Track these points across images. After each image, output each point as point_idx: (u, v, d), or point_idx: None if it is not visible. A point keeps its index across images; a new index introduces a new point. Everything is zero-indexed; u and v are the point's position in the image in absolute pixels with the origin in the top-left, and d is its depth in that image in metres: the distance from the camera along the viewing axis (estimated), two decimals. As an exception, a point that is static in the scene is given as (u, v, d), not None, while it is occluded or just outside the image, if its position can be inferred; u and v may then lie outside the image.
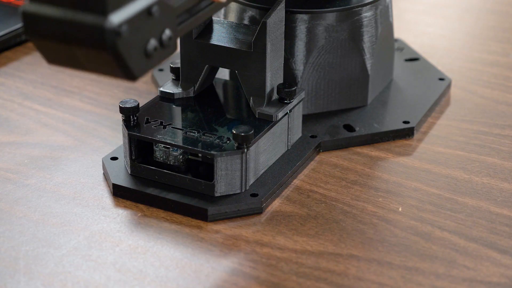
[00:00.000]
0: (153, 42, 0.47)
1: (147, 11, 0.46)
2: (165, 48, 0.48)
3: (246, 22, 0.65)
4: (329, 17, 0.64)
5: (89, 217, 0.56)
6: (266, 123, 0.59)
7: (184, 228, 0.55)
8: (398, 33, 0.80)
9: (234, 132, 0.56)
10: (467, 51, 0.81)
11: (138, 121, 0.59)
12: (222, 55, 0.61)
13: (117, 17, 0.44)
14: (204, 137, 0.57)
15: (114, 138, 0.65)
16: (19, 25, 0.80)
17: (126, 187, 0.58)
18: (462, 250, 0.54)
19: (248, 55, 0.60)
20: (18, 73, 0.76)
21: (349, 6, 0.64)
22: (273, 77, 0.61)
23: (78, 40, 0.45)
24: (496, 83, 0.74)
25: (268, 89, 0.60)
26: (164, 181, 0.57)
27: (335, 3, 0.64)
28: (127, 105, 0.58)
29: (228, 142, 0.57)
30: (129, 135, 0.58)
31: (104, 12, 0.44)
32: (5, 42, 0.79)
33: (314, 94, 0.66)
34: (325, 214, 0.57)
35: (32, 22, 0.45)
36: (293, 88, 0.60)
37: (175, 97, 0.62)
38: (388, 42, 0.69)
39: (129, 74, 0.46)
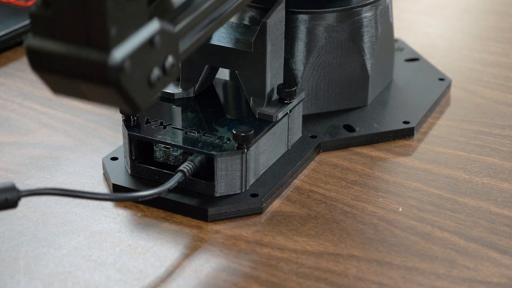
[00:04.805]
0: (156, 72, 0.47)
1: (149, 42, 0.46)
2: (168, 75, 0.49)
3: (246, 22, 0.65)
4: (329, 18, 0.64)
5: (89, 217, 0.56)
6: (266, 123, 0.59)
7: (184, 228, 0.55)
8: (398, 33, 0.80)
9: (234, 132, 0.56)
10: (467, 51, 0.81)
11: (138, 121, 0.59)
12: (222, 55, 0.61)
13: (119, 53, 0.44)
14: (204, 137, 0.57)
15: (114, 138, 0.65)
16: (19, 25, 0.80)
17: (126, 187, 0.58)
18: (462, 250, 0.54)
19: (248, 55, 0.60)
20: (18, 73, 0.76)
21: (349, 7, 0.64)
22: (273, 77, 0.61)
23: (82, 76, 0.45)
24: (496, 83, 0.74)
25: (268, 89, 0.60)
26: (164, 181, 0.57)
27: (335, 4, 0.64)
28: (127, 105, 0.58)
29: (228, 142, 0.57)
30: (129, 135, 0.58)
31: (107, 48, 0.44)
32: (5, 42, 0.79)
33: (314, 94, 0.66)
34: (325, 214, 0.57)
35: (35, 57, 0.46)
36: (293, 88, 0.60)
37: (175, 97, 0.62)
38: (388, 42, 0.69)
39: (133, 106, 0.47)
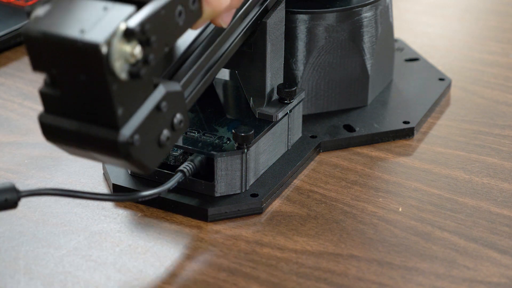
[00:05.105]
0: (165, 133, 0.49)
1: (156, 109, 0.48)
2: (178, 131, 0.50)
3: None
4: (329, 18, 0.64)
5: (89, 217, 0.56)
6: (266, 123, 0.59)
7: (184, 228, 0.55)
8: (398, 33, 0.80)
9: (234, 132, 0.56)
10: (467, 51, 0.81)
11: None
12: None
13: (128, 130, 0.46)
14: (204, 137, 0.57)
15: (114, 138, 0.65)
16: (19, 25, 0.80)
17: (126, 187, 0.58)
18: (462, 250, 0.54)
19: (248, 55, 0.60)
20: (18, 73, 0.76)
21: (349, 7, 0.64)
22: (273, 77, 0.61)
23: (93, 148, 0.47)
24: (496, 83, 0.74)
25: (268, 89, 0.60)
26: (164, 181, 0.57)
27: (335, 4, 0.64)
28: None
29: (228, 142, 0.57)
30: (129, 135, 0.58)
31: (116, 127, 0.46)
32: (5, 42, 0.79)
33: (314, 94, 0.66)
34: (325, 214, 0.57)
35: (49, 131, 0.48)
36: (293, 88, 0.60)
37: (175, 97, 0.62)
38: (388, 42, 0.69)
39: (145, 169, 0.49)
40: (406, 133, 0.66)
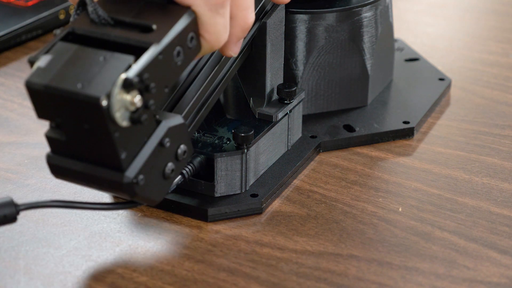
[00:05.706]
0: (170, 166, 0.50)
1: (159, 145, 0.49)
2: (181, 161, 0.51)
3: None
4: (329, 18, 0.64)
5: (89, 217, 0.56)
6: (266, 123, 0.59)
7: (184, 228, 0.56)
8: (398, 33, 0.80)
9: (234, 132, 0.56)
10: (467, 51, 0.81)
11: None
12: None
13: (132, 171, 0.47)
14: (204, 137, 0.57)
15: (114, 138, 0.65)
16: (19, 25, 0.80)
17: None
18: (462, 250, 0.54)
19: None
20: (18, 73, 0.76)
21: (349, 7, 0.64)
22: (273, 78, 0.61)
23: (99, 187, 0.49)
24: (496, 83, 0.74)
25: (268, 89, 0.60)
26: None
27: (335, 4, 0.64)
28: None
29: (228, 142, 0.57)
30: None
31: (120, 170, 0.47)
32: (5, 42, 0.79)
33: (314, 94, 0.66)
34: (325, 214, 0.57)
35: (56, 169, 0.49)
36: (293, 89, 0.60)
37: (175, 97, 0.62)
38: (388, 42, 0.69)
39: (151, 202, 0.50)
40: (406, 133, 0.66)
